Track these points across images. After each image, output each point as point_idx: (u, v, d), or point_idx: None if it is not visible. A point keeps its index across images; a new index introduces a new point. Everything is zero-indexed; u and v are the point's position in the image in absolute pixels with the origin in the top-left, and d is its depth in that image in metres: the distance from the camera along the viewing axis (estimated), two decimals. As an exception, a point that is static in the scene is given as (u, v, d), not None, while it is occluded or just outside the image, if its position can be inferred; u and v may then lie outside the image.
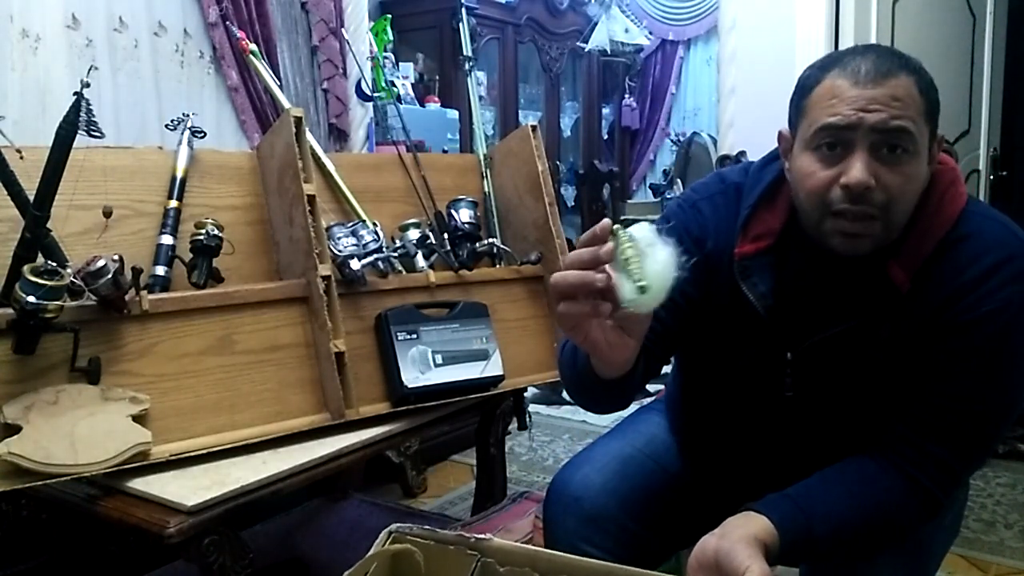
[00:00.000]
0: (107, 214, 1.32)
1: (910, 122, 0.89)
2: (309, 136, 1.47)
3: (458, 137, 3.72)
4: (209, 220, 1.40)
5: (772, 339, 1.03)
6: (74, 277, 1.17)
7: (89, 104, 1.20)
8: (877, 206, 0.90)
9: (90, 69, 1.25)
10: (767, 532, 0.88)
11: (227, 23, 2.53)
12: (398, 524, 0.83)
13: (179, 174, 1.44)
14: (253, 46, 1.80)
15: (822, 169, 0.92)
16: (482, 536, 0.80)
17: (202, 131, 1.50)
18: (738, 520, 0.90)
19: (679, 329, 1.06)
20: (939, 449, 0.95)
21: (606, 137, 5.51)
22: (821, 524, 0.92)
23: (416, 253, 1.60)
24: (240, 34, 2.00)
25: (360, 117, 3.06)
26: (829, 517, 0.93)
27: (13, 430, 1.11)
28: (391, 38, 2.21)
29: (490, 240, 1.73)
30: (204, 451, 1.26)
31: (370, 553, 0.79)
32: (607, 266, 0.78)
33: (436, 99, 3.88)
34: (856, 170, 0.89)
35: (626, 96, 5.58)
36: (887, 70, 0.90)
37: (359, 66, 2.55)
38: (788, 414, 1.06)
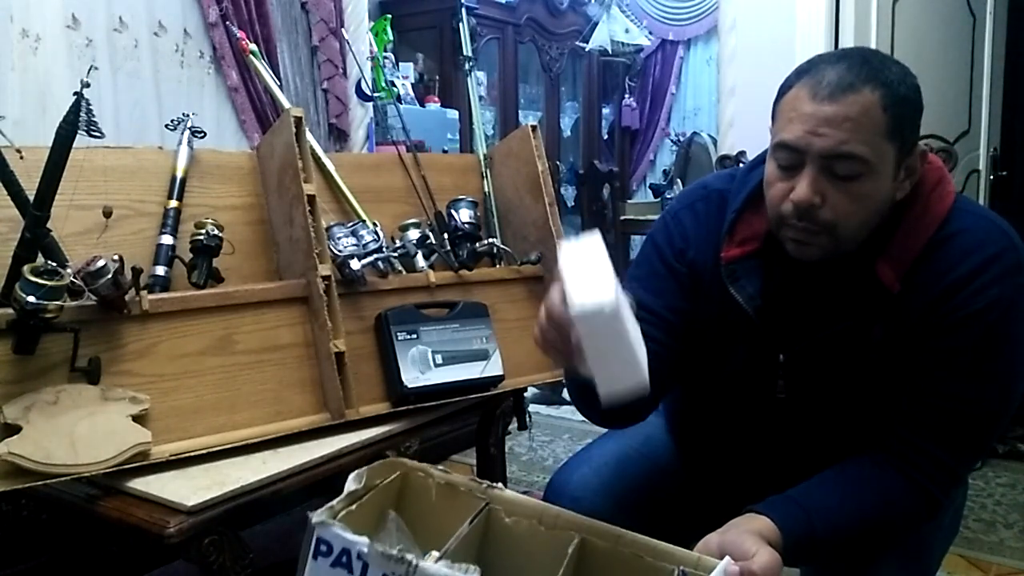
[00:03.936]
0: (107, 214, 1.32)
1: (861, 145, 0.88)
2: (309, 136, 1.47)
3: (458, 137, 3.71)
4: (209, 220, 1.40)
5: (763, 341, 1.04)
6: (74, 277, 1.17)
7: (89, 104, 1.20)
8: (820, 224, 0.92)
9: (90, 69, 1.25)
10: (770, 531, 0.88)
11: (227, 23, 2.52)
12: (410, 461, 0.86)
13: (179, 174, 1.44)
14: (253, 46, 1.80)
15: (779, 180, 0.95)
16: (494, 484, 0.83)
17: (202, 131, 1.50)
18: (741, 520, 0.90)
19: (680, 343, 1.07)
20: (936, 448, 0.95)
21: (606, 137, 5.50)
22: (823, 525, 0.92)
23: (416, 253, 1.60)
24: (240, 34, 2.00)
25: (360, 117, 3.05)
26: (831, 518, 0.93)
27: (13, 430, 1.11)
28: (391, 38, 2.21)
29: (490, 240, 1.73)
30: (204, 451, 1.27)
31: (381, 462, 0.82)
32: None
33: (436, 99, 3.87)
34: (800, 189, 0.91)
35: (626, 96, 5.57)
36: (849, 84, 0.88)
37: (359, 66, 2.55)
38: (781, 416, 1.06)
